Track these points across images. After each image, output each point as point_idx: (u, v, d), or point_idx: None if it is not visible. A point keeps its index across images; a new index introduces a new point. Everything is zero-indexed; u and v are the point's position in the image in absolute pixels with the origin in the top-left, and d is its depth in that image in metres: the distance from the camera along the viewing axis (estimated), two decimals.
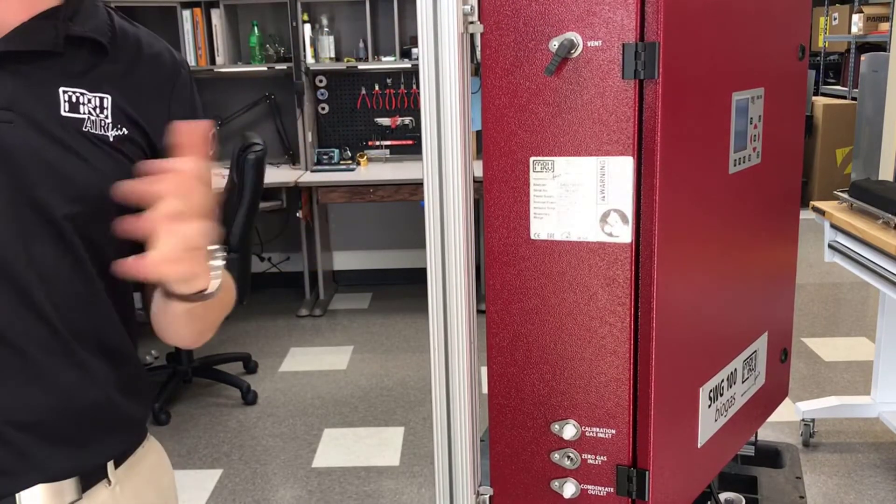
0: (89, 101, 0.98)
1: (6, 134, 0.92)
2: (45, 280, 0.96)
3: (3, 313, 0.94)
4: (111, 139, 0.99)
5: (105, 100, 0.99)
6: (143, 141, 1.02)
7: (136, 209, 0.83)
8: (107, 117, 0.99)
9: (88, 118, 0.97)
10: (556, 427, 0.94)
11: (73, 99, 0.97)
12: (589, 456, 0.94)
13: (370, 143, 5.25)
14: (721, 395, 1.06)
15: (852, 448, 3.23)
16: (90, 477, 1.03)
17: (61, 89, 0.96)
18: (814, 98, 7.24)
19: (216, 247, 0.91)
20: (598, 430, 0.93)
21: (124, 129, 1.00)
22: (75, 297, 0.99)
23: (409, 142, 5.24)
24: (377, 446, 3.38)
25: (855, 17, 6.96)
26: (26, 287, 0.95)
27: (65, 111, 0.96)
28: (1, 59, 0.93)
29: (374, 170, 5.00)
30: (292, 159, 5.14)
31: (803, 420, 3.25)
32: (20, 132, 0.93)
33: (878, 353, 3.23)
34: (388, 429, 3.52)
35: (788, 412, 3.31)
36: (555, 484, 0.95)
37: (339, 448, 3.39)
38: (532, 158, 0.90)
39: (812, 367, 3.98)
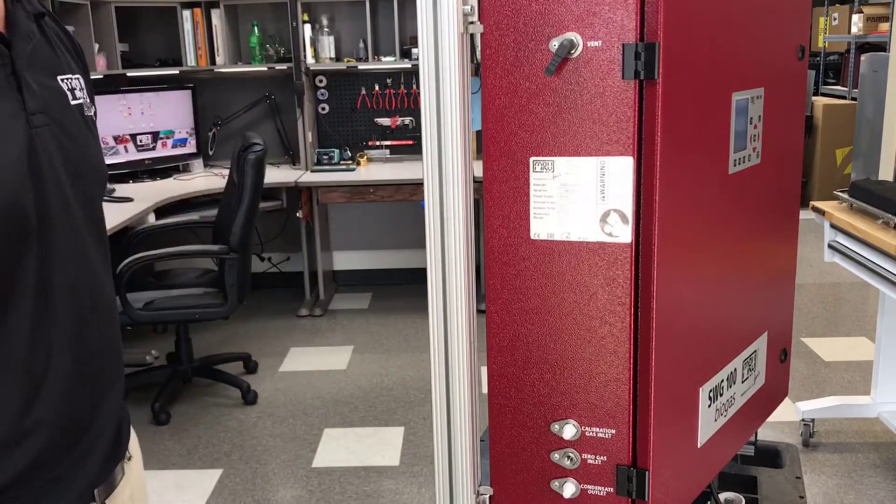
0: (74, 84, 0.98)
1: (48, 140, 0.92)
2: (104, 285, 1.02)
3: (110, 325, 1.02)
4: (95, 118, 1.01)
5: (79, 80, 1.00)
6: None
7: None
8: (85, 96, 1.00)
9: (84, 102, 0.98)
10: (556, 427, 0.94)
11: (70, 85, 0.97)
12: (589, 456, 0.94)
13: (370, 143, 5.25)
14: (721, 394, 1.06)
15: (852, 448, 3.23)
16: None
17: (59, 78, 0.96)
18: (814, 98, 7.24)
19: None
20: (597, 429, 0.93)
21: (93, 105, 1.03)
22: (111, 299, 1.06)
23: (409, 142, 5.24)
24: (377, 446, 3.39)
25: (855, 18, 6.96)
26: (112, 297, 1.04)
27: (72, 100, 0.96)
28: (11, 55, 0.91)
29: (374, 170, 5.00)
30: (292, 159, 5.14)
31: (803, 420, 3.25)
32: (54, 133, 0.93)
33: (878, 353, 3.23)
34: (388, 429, 3.52)
35: (788, 412, 3.31)
36: (555, 484, 0.95)
37: (339, 448, 3.39)
38: (532, 158, 0.90)
39: (812, 367, 3.98)
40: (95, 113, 1.03)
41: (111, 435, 1.05)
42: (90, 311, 0.98)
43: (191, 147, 4.97)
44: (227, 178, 3.91)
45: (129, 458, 1.12)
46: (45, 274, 0.90)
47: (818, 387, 3.75)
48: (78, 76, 1.01)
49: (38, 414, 0.91)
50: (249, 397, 3.81)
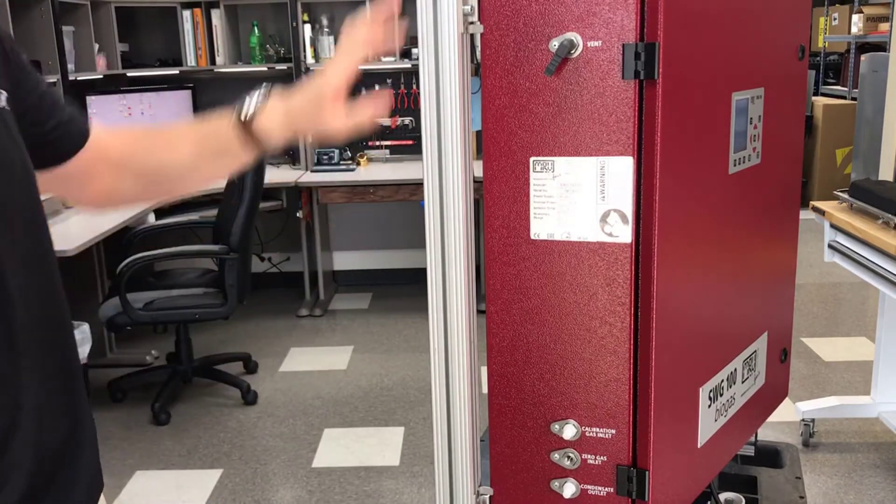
0: None
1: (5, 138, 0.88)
2: None
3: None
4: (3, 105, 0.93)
5: None
6: None
7: None
8: None
9: None
10: (556, 427, 0.94)
11: None
12: (589, 456, 0.94)
13: (370, 143, 5.25)
14: (721, 394, 1.06)
15: (852, 448, 3.23)
16: None
17: None
18: (813, 98, 7.24)
19: None
20: (598, 430, 0.93)
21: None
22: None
23: (409, 142, 5.24)
24: (377, 446, 3.38)
25: (855, 18, 6.96)
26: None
27: None
28: None
29: (374, 170, 5.00)
30: (292, 159, 5.14)
31: (803, 420, 3.25)
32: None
33: (878, 353, 3.23)
34: (388, 429, 3.52)
35: (788, 412, 3.31)
36: (555, 484, 0.95)
37: (339, 448, 3.39)
38: (532, 158, 0.90)
39: (812, 367, 3.98)
40: (7, 99, 0.92)
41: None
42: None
43: None
44: (227, 177, 3.91)
45: None
46: None
47: (818, 387, 3.74)
48: None
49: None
50: (249, 397, 3.80)
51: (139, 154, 1.10)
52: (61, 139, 1.03)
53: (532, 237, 0.91)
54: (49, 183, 1.03)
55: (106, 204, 1.14)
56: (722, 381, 1.06)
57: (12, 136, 0.91)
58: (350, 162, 5.09)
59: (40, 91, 1.00)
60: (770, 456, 1.49)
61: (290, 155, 5.15)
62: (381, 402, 3.77)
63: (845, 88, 7.40)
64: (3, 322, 0.86)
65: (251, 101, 1.01)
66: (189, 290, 3.72)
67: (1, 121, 0.89)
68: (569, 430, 0.93)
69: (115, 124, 4.51)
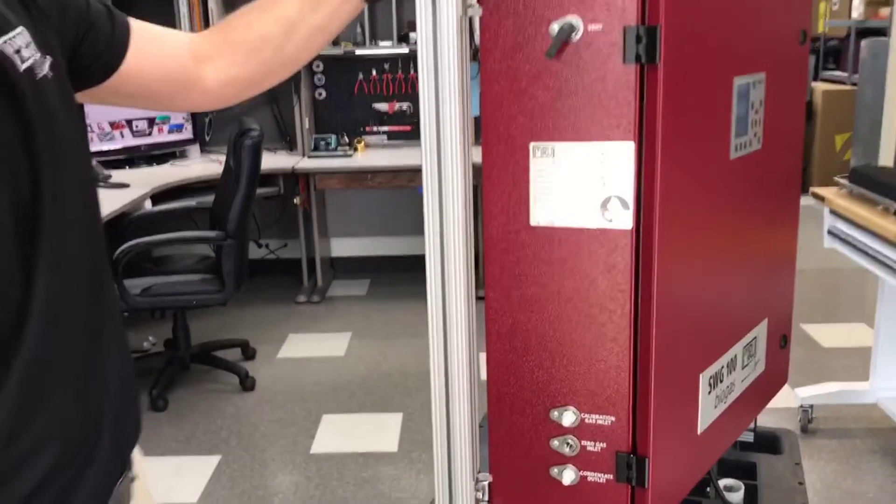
0: (18, 43, 0.85)
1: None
2: None
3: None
4: (55, 70, 0.91)
5: (23, 34, 0.87)
6: None
7: None
8: (34, 52, 0.87)
9: (34, 62, 0.86)
10: (555, 414, 0.93)
11: (14, 46, 0.85)
12: (588, 443, 0.93)
13: (367, 128, 5.23)
14: (721, 381, 1.06)
15: (850, 434, 3.24)
16: None
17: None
18: (813, 84, 7.22)
19: None
20: (597, 416, 0.92)
21: (47, 57, 0.90)
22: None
23: (407, 127, 5.22)
24: (375, 432, 3.39)
25: (855, 2, 6.94)
26: None
27: (20, 65, 0.85)
28: None
29: (371, 156, 4.98)
30: (289, 145, 5.12)
31: (802, 406, 3.26)
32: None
33: (877, 340, 3.24)
34: (386, 415, 3.53)
35: (787, 398, 3.31)
36: (554, 470, 0.95)
37: (338, 434, 3.39)
38: (532, 144, 0.89)
39: (811, 354, 3.99)
40: (52, 65, 0.87)
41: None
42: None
43: (187, 133, 4.94)
44: (223, 163, 3.90)
45: (133, 479, 1.03)
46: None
47: (817, 373, 3.75)
48: (20, 29, 0.84)
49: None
50: (247, 384, 3.81)
51: (239, 28, 1.11)
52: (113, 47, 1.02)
53: (532, 224, 0.90)
54: (156, 95, 1.07)
55: (230, 96, 1.14)
56: (722, 367, 1.06)
57: (65, 102, 0.89)
58: (347, 147, 5.07)
59: (88, 21, 0.98)
60: (769, 442, 1.49)
61: (287, 141, 5.14)
62: (380, 389, 3.77)
63: (845, 74, 7.38)
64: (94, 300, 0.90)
65: None
66: (186, 277, 3.71)
67: (41, 91, 0.85)
68: (568, 417, 0.93)
69: (111, 113, 4.48)
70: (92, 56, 0.99)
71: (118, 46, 1.02)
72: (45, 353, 0.84)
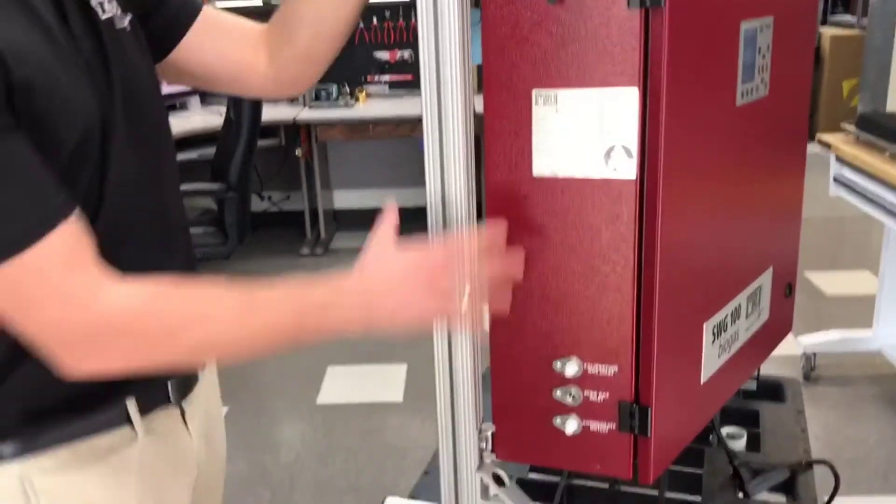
0: None
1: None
2: None
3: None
4: (131, 25, 1.02)
5: None
6: None
7: None
8: (115, 8, 0.99)
9: (114, 15, 0.98)
10: (558, 364, 0.93)
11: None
12: (591, 392, 0.93)
13: (369, 78, 5.17)
14: (725, 330, 1.05)
15: (853, 381, 3.25)
16: None
17: None
18: (821, 28, 7.10)
19: None
20: (600, 366, 0.92)
21: (127, 14, 1.02)
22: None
23: (409, 76, 5.16)
24: (381, 383, 3.42)
25: None
26: None
27: (102, 16, 0.97)
28: None
29: (373, 105, 4.93)
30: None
31: (805, 353, 3.27)
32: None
33: (881, 287, 3.23)
34: (391, 366, 3.55)
35: (790, 346, 3.32)
36: (557, 420, 0.95)
37: (344, 385, 3.42)
38: (534, 91, 0.87)
39: (814, 301, 3.99)
40: (131, 21, 0.99)
41: None
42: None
43: None
44: (223, 114, 3.86)
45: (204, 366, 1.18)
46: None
47: (820, 321, 3.76)
48: None
49: None
50: None
51: (286, 9, 1.13)
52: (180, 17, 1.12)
53: (534, 174, 0.89)
54: (233, 77, 1.16)
55: (289, 80, 1.18)
56: (726, 316, 1.06)
57: (142, 54, 1.01)
58: (349, 97, 5.02)
59: None
60: (772, 390, 1.50)
61: None
62: (384, 340, 3.80)
63: (854, 18, 7.25)
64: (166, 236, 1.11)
65: None
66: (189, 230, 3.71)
67: (120, 39, 0.95)
68: (571, 367, 0.93)
69: None
70: (157, 29, 1.08)
71: (180, 26, 1.11)
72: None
